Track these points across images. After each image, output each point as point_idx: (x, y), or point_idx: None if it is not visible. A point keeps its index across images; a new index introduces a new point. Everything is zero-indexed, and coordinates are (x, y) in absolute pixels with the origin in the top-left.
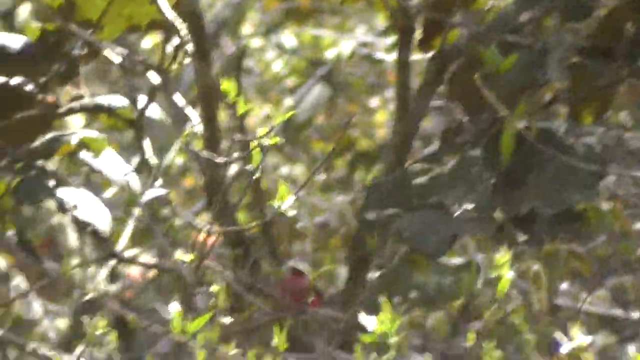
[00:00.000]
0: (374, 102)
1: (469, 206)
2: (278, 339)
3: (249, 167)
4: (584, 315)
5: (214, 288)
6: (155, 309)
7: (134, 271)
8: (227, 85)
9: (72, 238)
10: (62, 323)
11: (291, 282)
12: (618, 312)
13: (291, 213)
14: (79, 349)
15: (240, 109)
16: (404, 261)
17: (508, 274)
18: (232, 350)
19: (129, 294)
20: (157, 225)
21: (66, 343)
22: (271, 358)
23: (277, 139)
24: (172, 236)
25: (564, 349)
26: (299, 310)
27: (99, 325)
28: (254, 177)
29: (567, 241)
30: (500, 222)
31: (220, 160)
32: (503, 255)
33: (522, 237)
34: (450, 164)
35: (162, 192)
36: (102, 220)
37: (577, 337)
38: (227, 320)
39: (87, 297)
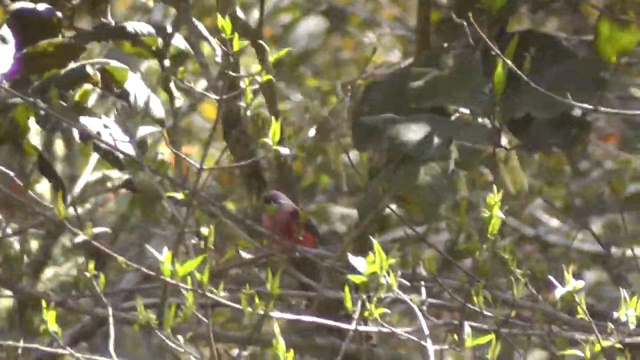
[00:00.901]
0: (369, 37)
1: (466, 111)
2: (270, 282)
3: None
4: (576, 253)
5: (204, 229)
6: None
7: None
8: (223, 23)
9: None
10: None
11: (281, 219)
12: (610, 249)
13: (284, 151)
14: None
15: (235, 46)
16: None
17: (499, 214)
18: (222, 292)
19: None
20: (146, 163)
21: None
22: (262, 299)
23: (269, 77)
24: (162, 173)
25: (558, 293)
26: (289, 249)
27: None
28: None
29: (563, 146)
30: (497, 127)
31: (213, 97)
32: (494, 195)
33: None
34: (450, 68)
35: (152, 130)
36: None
37: (570, 280)
38: (216, 260)
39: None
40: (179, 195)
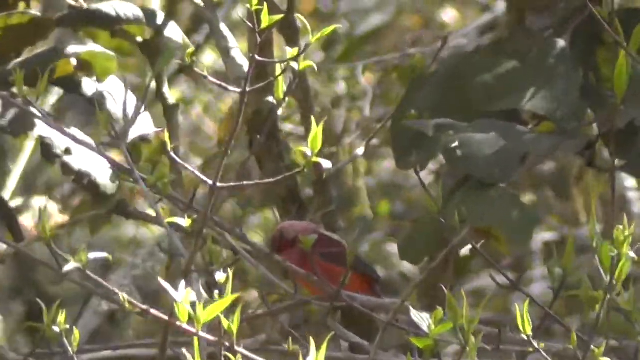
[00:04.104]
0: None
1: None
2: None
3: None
4: None
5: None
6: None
7: None
8: None
9: None
10: None
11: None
12: None
13: (326, 164)
14: None
15: (264, 20)
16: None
17: (630, 254)
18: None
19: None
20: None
21: None
22: None
23: (309, 63)
24: (163, 189)
25: None
26: (332, 296)
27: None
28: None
29: None
30: (591, 138)
31: (233, 89)
32: (623, 230)
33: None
34: (526, 57)
35: (148, 130)
36: (102, 172)
37: None
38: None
39: None
40: (184, 222)
